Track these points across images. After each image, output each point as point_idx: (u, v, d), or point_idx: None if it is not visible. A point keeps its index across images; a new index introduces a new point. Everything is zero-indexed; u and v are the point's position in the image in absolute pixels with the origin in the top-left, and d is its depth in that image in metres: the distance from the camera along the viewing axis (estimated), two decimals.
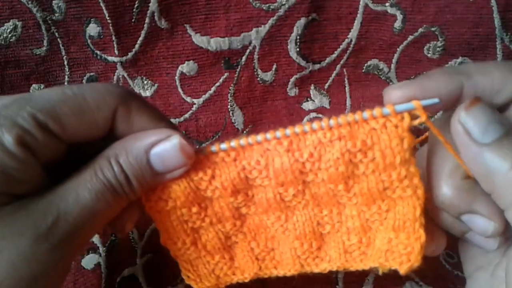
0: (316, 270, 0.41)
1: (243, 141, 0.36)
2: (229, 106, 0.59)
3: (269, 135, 0.36)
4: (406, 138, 0.35)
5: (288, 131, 0.36)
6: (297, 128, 0.36)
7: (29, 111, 0.32)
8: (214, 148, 0.37)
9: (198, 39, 0.56)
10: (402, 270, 0.38)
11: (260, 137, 0.36)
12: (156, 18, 0.54)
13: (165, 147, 0.35)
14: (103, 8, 0.53)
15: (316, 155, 0.36)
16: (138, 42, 0.55)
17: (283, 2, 0.55)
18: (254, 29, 0.56)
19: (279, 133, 0.36)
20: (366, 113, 0.35)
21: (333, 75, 0.60)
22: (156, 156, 0.35)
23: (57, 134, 0.33)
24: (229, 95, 0.59)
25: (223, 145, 0.37)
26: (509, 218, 0.33)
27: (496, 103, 0.35)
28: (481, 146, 0.33)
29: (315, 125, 0.35)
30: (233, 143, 0.37)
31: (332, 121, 0.35)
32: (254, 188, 0.39)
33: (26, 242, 0.31)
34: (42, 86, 0.56)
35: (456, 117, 0.34)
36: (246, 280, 0.42)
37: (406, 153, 0.35)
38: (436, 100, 0.34)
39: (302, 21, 0.56)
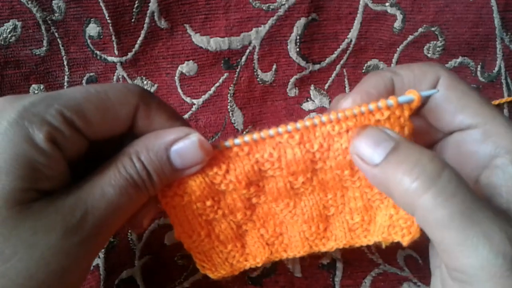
0: (324, 249, 0.44)
1: (256, 135, 0.38)
2: (228, 107, 0.59)
3: (280, 129, 0.37)
4: (407, 126, 0.37)
5: (299, 124, 0.37)
6: (307, 122, 0.37)
7: (57, 108, 0.33)
8: (228, 143, 0.38)
9: (198, 39, 0.56)
10: (405, 242, 0.41)
11: (272, 131, 0.38)
12: (156, 18, 0.54)
13: (185, 144, 0.36)
14: (103, 8, 0.53)
15: (325, 145, 0.38)
16: (138, 42, 0.55)
17: (283, 2, 0.55)
18: (254, 29, 0.56)
19: (290, 126, 0.37)
20: (372, 106, 0.36)
21: (333, 75, 0.60)
22: (176, 153, 0.36)
23: (82, 130, 0.34)
24: (228, 95, 0.59)
25: (237, 140, 0.38)
26: (419, 222, 0.34)
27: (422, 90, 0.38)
28: (375, 167, 0.35)
29: (324, 118, 0.37)
30: (247, 137, 0.38)
31: (340, 114, 0.36)
32: (265, 179, 0.40)
33: (56, 236, 0.32)
34: (42, 86, 0.56)
35: (350, 147, 0.37)
36: (259, 265, 0.45)
37: (406, 139, 0.37)
38: (434, 90, 0.38)
39: (302, 21, 0.56)
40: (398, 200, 0.35)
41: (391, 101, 0.36)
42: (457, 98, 0.38)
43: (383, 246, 0.43)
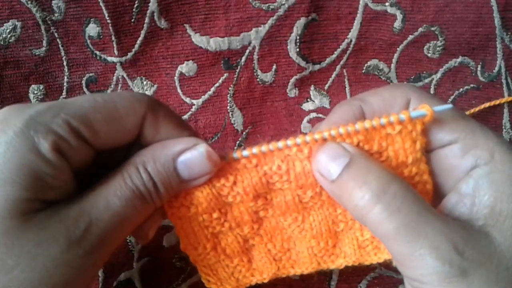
0: (333, 266, 0.43)
1: (264, 147, 0.37)
2: (228, 107, 0.59)
3: (289, 141, 0.37)
4: (419, 140, 0.37)
5: (308, 137, 0.37)
6: (317, 135, 0.36)
7: (63, 117, 0.32)
8: (236, 154, 0.38)
9: (198, 39, 0.56)
10: None
11: (281, 143, 0.37)
12: (155, 18, 0.54)
13: (192, 155, 0.36)
14: (103, 8, 0.53)
15: None
16: (138, 42, 0.55)
17: (283, 2, 0.55)
18: (254, 29, 0.56)
19: (299, 139, 0.37)
20: (383, 120, 0.36)
21: (333, 75, 0.60)
22: (183, 164, 0.36)
23: (88, 140, 0.34)
24: (228, 95, 0.59)
25: (245, 152, 0.37)
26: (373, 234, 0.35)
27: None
28: (332, 183, 0.35)
29: (334, 131, 0.36)
30: (255, 149, 0.37)
31: (350, 128, 0.36)
32: (273, 192, 0.40)
33: (59, 248, 0.31)
34: (41, 86, 0.56)
35: (312, 165, 0.37)
36: (265, 281, 0.44)
37: (418, 153, 0.37)
38: (449, 106, 0.37)
39: (302, 21, 0.56)
40: (352, 214, 0.36)
41: (403, 115, 0.36)
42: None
43: (394, 264, 0.41)
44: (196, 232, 0.41)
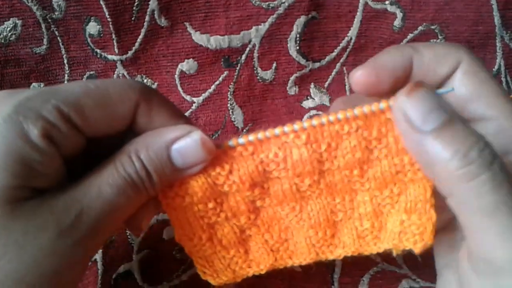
0: (331, 257, 0.42)
1: (260, 134, 0.36)
2: (228, 105, 0.59)
3: (286, 128, 0.36)
4: None
5: (306, 123, 0.36)
6: (315, 120, 0.36)
7: (53, 103, 0.31)
8: (231, 142, 0.37)
9: (198, 37, 0.56)
10: (417, 249, 0.39)
11: (278, 130, 0.36)
12: (156, 16, 0.54)
13: (186, 143, 0.35)
14: (103, 6, 0.53)
15: (333, 144, 0.37)
16: (138, 40, 0.55)
17: (283, 0, 0.55)
18: (254, 27, 0.56)
19: (296, 126, 0.36)
20: (383, 104, 0.35)
21: (333, 73, 0.60)
22: (177, 152, 0.35)
23: (80, 127, 0.33)
24: (228, 93, 0.59)
25: (241, 139, 0.37)
26: (450, 205, 0.33)
27: (440, 73, 0.37)
28: (421, 134, 0.32)
29: (332, 117, 0.35)
30: (251, 136, 0.36)
31: (349, 114, 0.35)
32: (270, 181, 0.39)
33: (49, 237, 0.30)
34: (42, 84, 0.56)
35: (396, 103, 0.33)
36: (262, 272, 0.43)
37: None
38: (450, 88, 0.35)
39: (302, 19, 0.56)
40: (436, 176, 0.33)
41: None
42: (474, 85, 0.36)
43: (394, 254, 0.41)
44: (191, 222, 0.40)
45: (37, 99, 0.31)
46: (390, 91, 0.36)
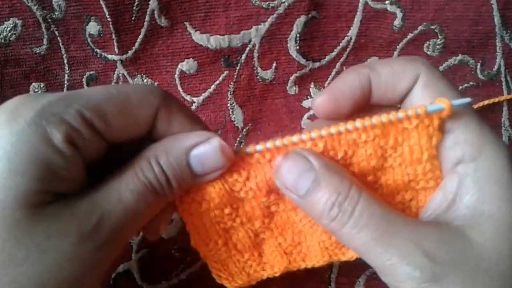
0: (344, 258, 0.43)
1: (278, 142, 0.36)
2: (228, 105, 0.59)
3: (304, 136, 0.36)
4: (436, 136, 0.36)
5: (324, 132, 0.36)
6: (333, 129, 0.36)
7: (76, 108, 0.31)
8: (249, 149, 0.37)
9: (198, 37, 0.56)
10: None
11: (295, 138, 0.36)
12: (156, 16, 0.54)
13: (206, 149, 0.35)
14: (103, 6, 0.53)
15: (350, 152, 0.37)
16: (138, 40, 0.56)
17: (283, 0, 0.55)
18: (254, 27, 0.56)
19: (314, 134, 0.36)
20: (401, 114, 0.35)
21: (333, 73, 0.60)
22: (196, 158, 0.35)
23: (101, 132, 0.33)
24: (228, 93, 0.59)
25: (259, 146, 0.37)
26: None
27: (400, 89, 0.37)
28: (300, 198, 0.35)
29: (349, 126, 0.36)
30: (269, 144, 0.36)
31: (367, 123, 0.35)
32: None
33: (70, 242, 0.30)
34: (42, 84, 0.56)
35: (274, 175, 0.37)
36: (277, 275, 0.43)
37: (433, 150, 0.36)
38: (467, 99, 0.35)
39: (302, 19, 0.56)
40: (324, 228, 0.36)
41: (420, 110, 0.35)
42: (432, 99, 0.36)
43: None
44: (208, 228, 0.40)
45: (59, 104, 0.31)
46: (351, 114, 0.38)
